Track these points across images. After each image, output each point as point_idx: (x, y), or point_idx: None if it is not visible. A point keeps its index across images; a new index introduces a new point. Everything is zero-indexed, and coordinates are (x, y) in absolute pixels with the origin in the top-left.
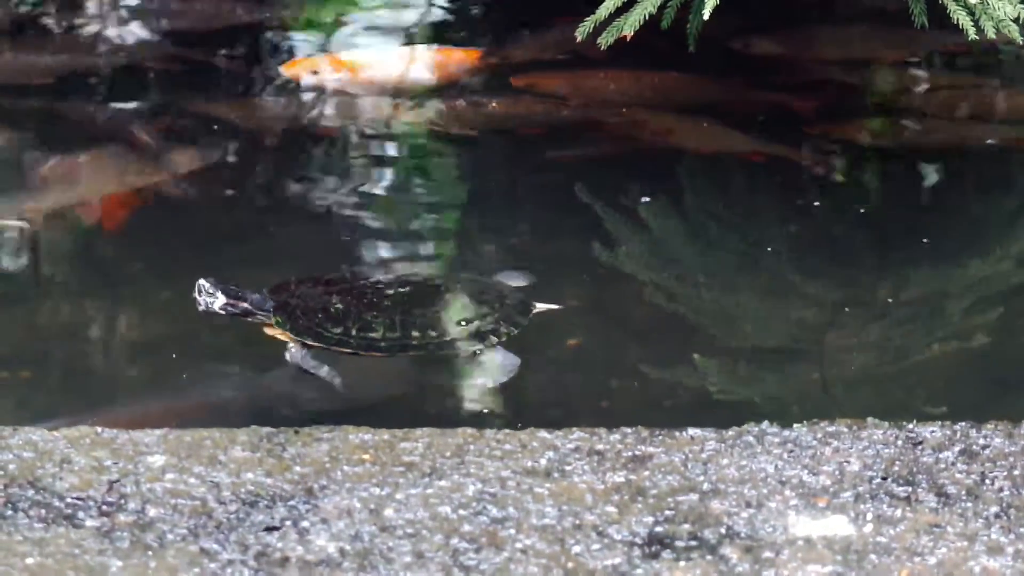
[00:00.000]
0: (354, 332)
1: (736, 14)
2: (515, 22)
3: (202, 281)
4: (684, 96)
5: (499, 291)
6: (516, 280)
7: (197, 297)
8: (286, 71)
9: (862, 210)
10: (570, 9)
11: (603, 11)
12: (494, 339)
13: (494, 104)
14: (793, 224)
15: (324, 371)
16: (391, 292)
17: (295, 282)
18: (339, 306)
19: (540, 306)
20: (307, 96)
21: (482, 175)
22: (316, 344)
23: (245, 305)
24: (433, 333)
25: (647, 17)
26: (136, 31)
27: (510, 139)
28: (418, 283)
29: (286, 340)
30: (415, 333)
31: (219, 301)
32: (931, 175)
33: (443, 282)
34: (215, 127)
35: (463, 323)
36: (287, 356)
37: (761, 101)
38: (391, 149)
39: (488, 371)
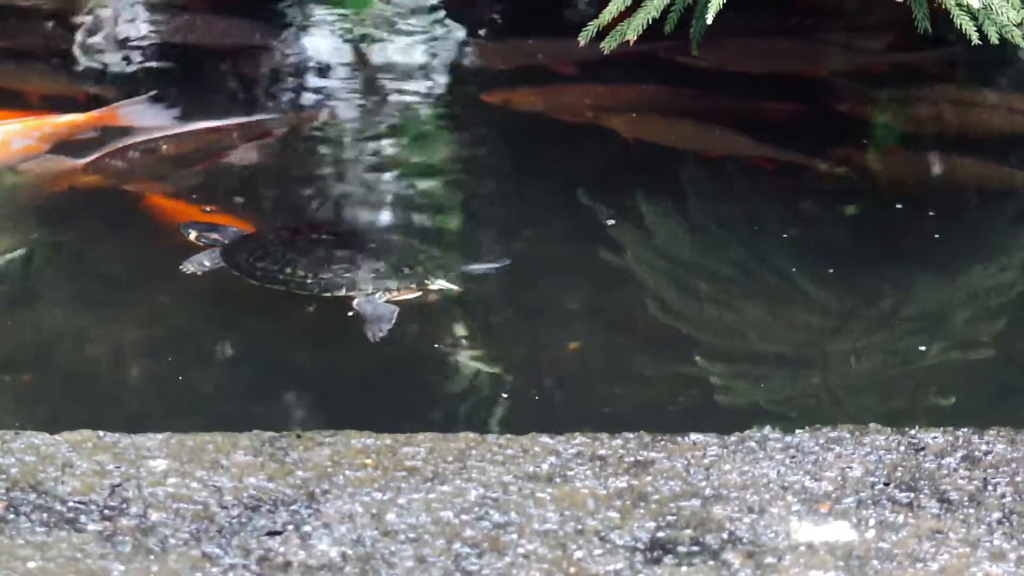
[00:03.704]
0: (250, 259)
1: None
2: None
3: (180, 225)
4: (661, 108)
5: (411, 256)
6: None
7: (181, 229)
8: None
9: (867, 217)
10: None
11: (606, 15)
12: (346, 291)
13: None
14: (796, 229)
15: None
16: (315, 236)
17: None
18: (269, 239)
19: (439, 283)
20: None
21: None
22: (221, 263)
23: (215, 236)
24: (302, 273)
25: (649, 22)
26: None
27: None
28: (344, 235)
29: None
30: (287, 270)
31: (192, 235)
32: (935, 185)
33: (363, 237)
34: None
35: (338, 272)
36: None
37: (739, 111)
38: None
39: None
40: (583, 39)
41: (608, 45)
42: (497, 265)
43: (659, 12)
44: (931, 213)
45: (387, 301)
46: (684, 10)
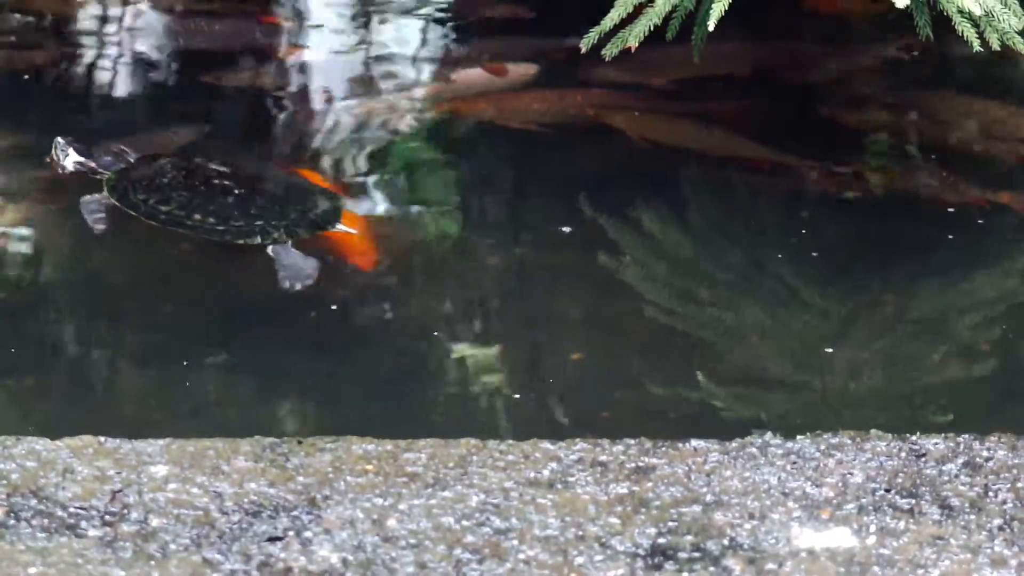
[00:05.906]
0: (151, 201)
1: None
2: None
3: (59, 139)
4: (614, 110)
5: (310, 201)
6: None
7: (53, 153)
8: None
9: (865, 220)
10: None
11: (607, 22)
12: (260, 239)
13: None
14: (796, 233)
15: (94, 219)
16: (217, 181)
17: (173, 155)
18: (163, 180)
19: (340, 227)
20: None
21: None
22: (117, 203)
23: (92, 165)
24: (212, 220)
25: (651, 28)
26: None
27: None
28: (247, 177)
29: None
30: (196, 216)
31: (71, 159)
32: (930, 189)
33: (267, 181)
34: None
35: (248, 218)
36: (88, 197)
37: (691, 114)
38: None
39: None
40: (584, 46)
41: (609, 52)
42: (397, 208)
43: (661, 18)
44: (928, 217)
45: (293, 245)
46: (685, 16)
